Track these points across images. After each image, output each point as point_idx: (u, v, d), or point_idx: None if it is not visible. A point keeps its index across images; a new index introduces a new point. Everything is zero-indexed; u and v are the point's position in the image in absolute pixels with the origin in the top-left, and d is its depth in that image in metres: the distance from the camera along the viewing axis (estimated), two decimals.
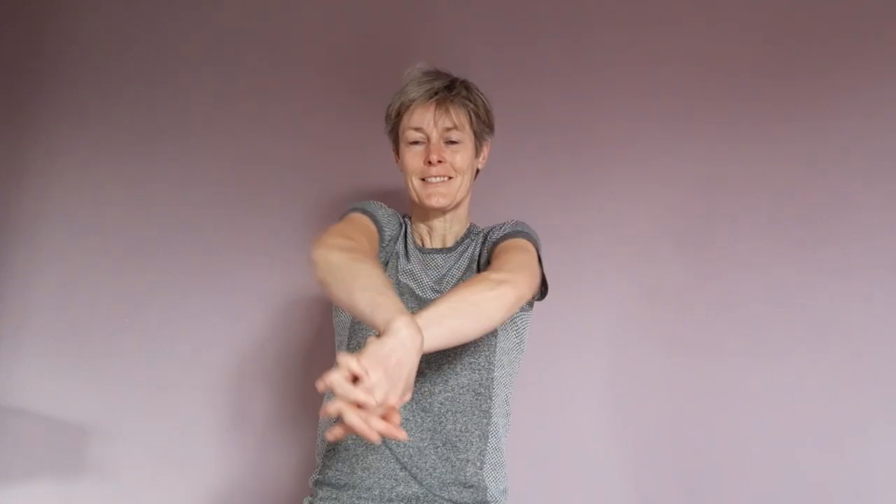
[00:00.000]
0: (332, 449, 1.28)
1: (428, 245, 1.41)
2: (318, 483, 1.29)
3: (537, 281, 1.25)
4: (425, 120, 1.33)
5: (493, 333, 1.28)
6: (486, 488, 1.25)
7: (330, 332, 1.92)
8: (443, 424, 1.24)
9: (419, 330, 0.99)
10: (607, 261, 1.83)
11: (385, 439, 1.22)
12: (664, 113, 1.85)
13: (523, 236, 1.32)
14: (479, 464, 1.25)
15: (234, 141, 2.03)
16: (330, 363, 1.93)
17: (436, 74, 1.36)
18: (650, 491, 1.74)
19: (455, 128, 1.34)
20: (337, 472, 1.26)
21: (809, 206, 1.77)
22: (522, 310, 1.34)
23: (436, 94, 1.33)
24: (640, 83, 1.87)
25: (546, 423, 1.78)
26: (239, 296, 1.96)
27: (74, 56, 2.13)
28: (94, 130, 2.08)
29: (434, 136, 1.33)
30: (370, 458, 1.24)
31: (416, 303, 1.30)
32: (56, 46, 2.15)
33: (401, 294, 1.31)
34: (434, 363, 1.25)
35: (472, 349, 1.27)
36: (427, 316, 1.04)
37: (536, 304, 1.40)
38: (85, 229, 2.04)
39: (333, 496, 1.25)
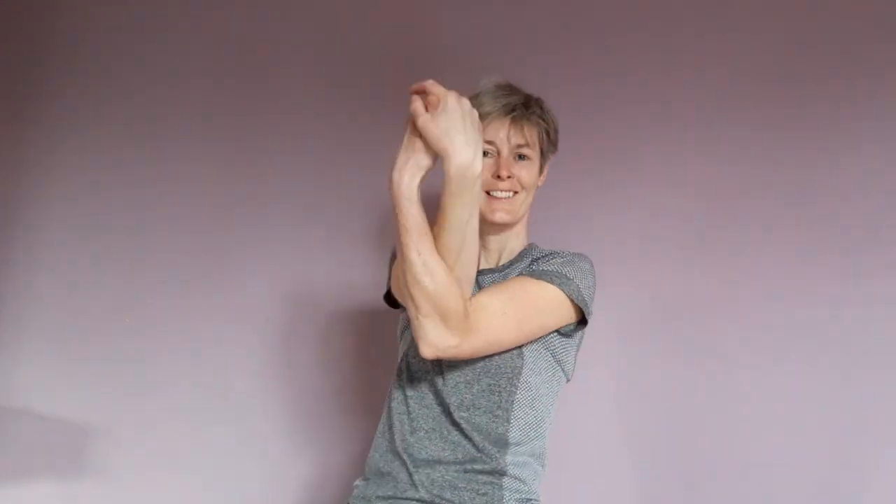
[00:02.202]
0: (370, 457, 1.32)
1: (482, 264, 1.38)
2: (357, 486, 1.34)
3: (483, 341, 1.20)
4: (500, 134, 1.31)
5: (520, 354, 1.27)
6: (502, 497, 1.25)
7: (333, 331, 1.92)
8: (465, 441, 1.26)
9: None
10: (610, 262, 1.83)
11: (406, 448, 1.26)
12: (665, 116, 1.85)
13: (552, 279, 1.26)
14: (497, 478, 1.25)
15: (235, 141, 2.02)
16: (332, 363, 1.93)
17: (510, 89, 1.35)
18: (652, 492, 1.74)
19: (527, 145, 1.33)
20: (370, 481, 1.30)
21: (811, 208, 1.77)
22: (559, 332, 1.32)
23: (513, 110, 1.32)
24: (641, 85, 1.87)
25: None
26: (239, 296, 1.96)
27: (74, 56, 2.13)
28: (94, 130, 2.08)
29: (505, 151, 1.32)
30: (391, 465, 1.28)
31: None
32: (56, 47, 2.14)
33: None
34: (451, 381, 1.27)
35: (494, 371, 1.27)
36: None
37: None
38: (85, 229, 2.03)
39: (361, 494, 1.29)
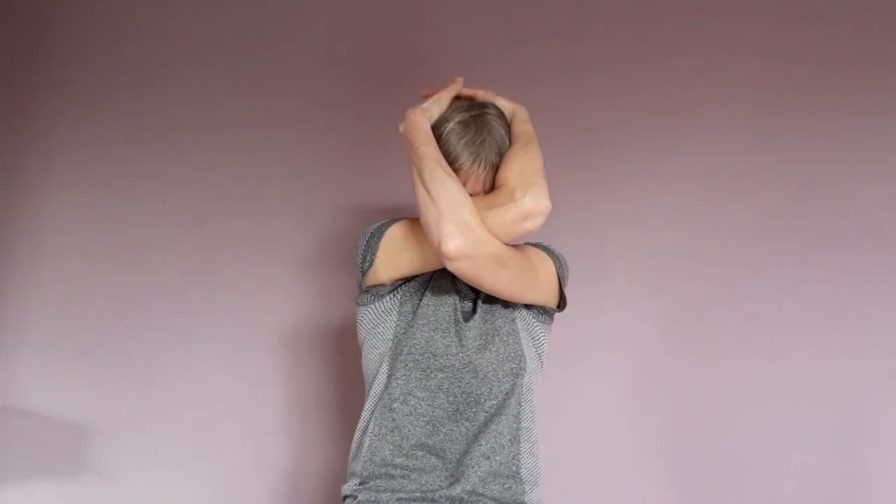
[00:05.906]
0: (370, 460, 1.29)
1: None
2: (355, 491, 1.29)
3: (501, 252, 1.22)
4: (471, 182, 1.30)
5: (517, 339, 1.32)
6: (524, 492, 1.28)
7: (332, 328, 1.92)
8: (486, 426, 1.27)
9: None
10: (610, 261, 1.83)
11: (428, 444, 1.26)
12: (665, 115, 1.85)
13: (550, 252, 1.36)
14: (514, 468, 1.28)
15: (235, 140, 2.03)
16: (331, 363, 1.93)
17: (473, 120, 1.33)
18: (653, 491, 1.74)
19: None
20: (378, 482, 1.27)
21: (811, 208, 1.77)
22: (542, 322, 1.37)
23: (482, 158, 1.31)
24: (642, 85, 1.87)
25: (548, 424, 1.78)
26: (239, 295, 1.96)
27: (73, 55, 2.13)
28: (93, 130, 2.08)
29: (479, 192, 1.32)
30: (410, 464, 1.26)
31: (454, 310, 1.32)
32: (55, 45, 2.14)
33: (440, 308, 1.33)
34: (480, 372, 1.28)
35: (512, 355, 1.31)
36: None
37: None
38: (84, 229, 2.03)
39: (373, 499, 1.26)
